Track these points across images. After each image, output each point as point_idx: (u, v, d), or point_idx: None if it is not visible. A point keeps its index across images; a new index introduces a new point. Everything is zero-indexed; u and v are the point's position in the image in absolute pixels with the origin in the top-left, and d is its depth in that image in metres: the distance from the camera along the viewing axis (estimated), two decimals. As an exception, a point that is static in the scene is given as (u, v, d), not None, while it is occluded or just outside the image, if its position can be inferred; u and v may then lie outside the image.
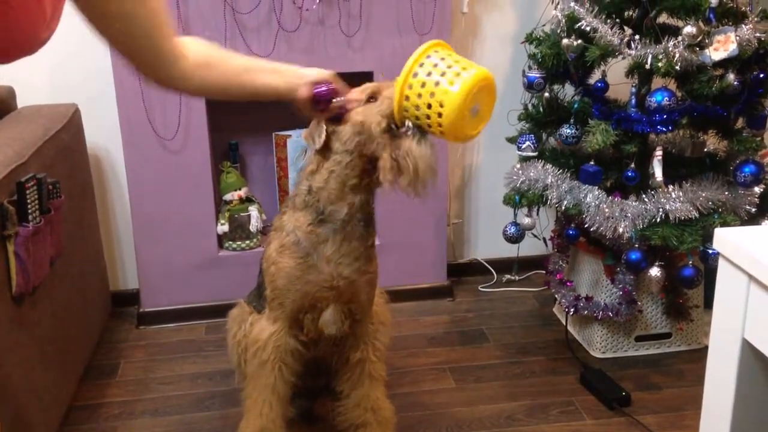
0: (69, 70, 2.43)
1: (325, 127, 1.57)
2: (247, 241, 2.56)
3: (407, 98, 1.41)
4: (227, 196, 2.57)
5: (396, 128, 1.49)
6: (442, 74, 1.39)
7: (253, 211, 2.56)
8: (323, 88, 1.46)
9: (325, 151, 1.60)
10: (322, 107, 1.48)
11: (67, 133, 2.11)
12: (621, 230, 2.04)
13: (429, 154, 1.47)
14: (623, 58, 2.03)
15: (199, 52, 1.27)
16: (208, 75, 1.29)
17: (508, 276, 2.88)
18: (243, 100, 1.44)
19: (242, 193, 2.58)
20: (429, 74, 1.40)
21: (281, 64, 1.44)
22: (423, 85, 1.39)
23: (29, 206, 1.63)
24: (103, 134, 2.49)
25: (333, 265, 1.64)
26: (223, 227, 2.53)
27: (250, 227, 2.55)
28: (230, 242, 2.56)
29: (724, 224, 2.00)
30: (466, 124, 1.41)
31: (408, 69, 1.42)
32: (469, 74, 1.38)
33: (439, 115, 1.38)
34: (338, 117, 1.53)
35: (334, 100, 1.49)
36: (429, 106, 1.39)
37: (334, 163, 1.59)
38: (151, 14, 1.11)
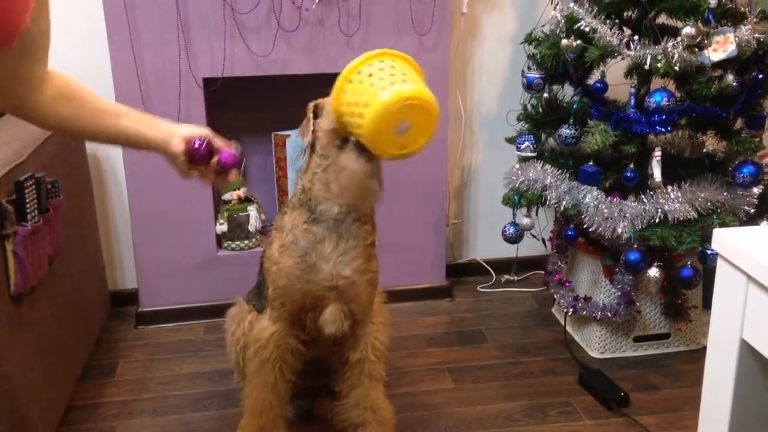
0: (68, 69, 2.41)
1: (312, 123, 1.59)
2: (246, 241, 2.56)
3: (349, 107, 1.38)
4: (226, 196, 2.57)
5: (342, 142, 1.51)
6: (381, 79, 1.34)
7: (252, 210, 2.56)
8: (197, 143, 1.34)
9: (314, 149, 1.63)
10: (199, 162, 1.36)
11: (66, 133, 2.11)
12: (620, 231, 2.04)
13: (359, 170, 1.48)
14: (622, 58, 2.03)
15: (63, 85, 1.19)
16: (68, 110, 1.20)
17: (507, 276, 2.89)
18: (105, 143, 1.36)
19: (241, 192, 2.58)
20: (370, 75, 1.35)
21: (149, 115, 1.33)
22: (359, 91, 1.35)
23: (28, 205, 1.63)
24: (102, 134, 2.49)
25: (332, 265, 1.64)
26: (222, 227, 2.53)
27: (249, 227, 2.55)
28: (229, 242, 2.56)
29: (723, 225, 2.00)
30: (389, 138, 1.35)
31: (344, 75, 1.39)
32: (404, 87, 1.31)
33: (361, 116, 1.34)
34: (223, 169, 1.38)
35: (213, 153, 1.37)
36: (360, 113, 1.35)
37: (315, 164, 1.62)
38: (38, 34, 1.03)
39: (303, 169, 1.67)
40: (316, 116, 1.62)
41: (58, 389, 1.92)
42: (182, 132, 1.33)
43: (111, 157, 2.54)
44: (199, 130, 1.35)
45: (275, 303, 1.72)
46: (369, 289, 1.75)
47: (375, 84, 1.34)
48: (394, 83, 1.32)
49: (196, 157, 1.35)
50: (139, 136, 1.29)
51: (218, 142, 1.37)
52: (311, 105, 1.64)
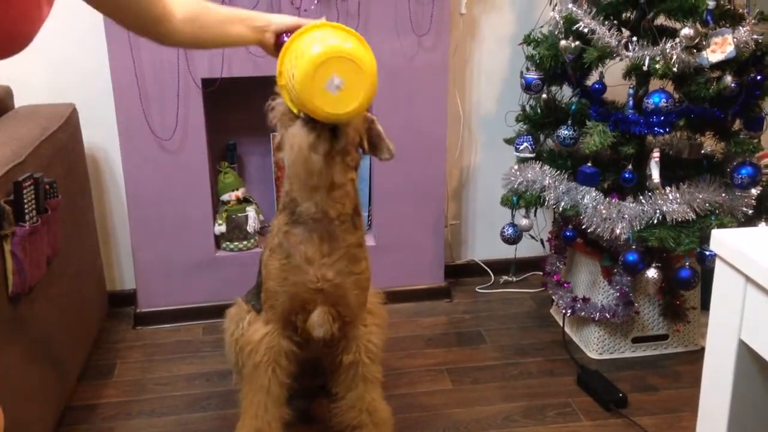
0: (67, 69, 2.43)
1: (272, 117, 1.56)
2: (245, 242, 2.56)
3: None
4: (225, 197, 2.57)
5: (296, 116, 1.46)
6: (314, 39, 1.35)
7: (251, 211, 2.56)
8: (285, 38, 1.49)
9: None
10: None
11: (64, 133, 2.11)
12: (618, 231, 2.04)
13: (303, 141, 1.42)
14: (621, 59, 2.03)
15: (184, 9, 1.37)
16: (195, 30, 1.40)
17: (505, 277, 2.89)
18: (221, 47, 1.69)
19: (240, 193, 2.58)
20: (308, 39, 1.36)
21: (251, 12, 1.53)
22: (295, 54, 1.36)
23: (26, 206, 1.62)
24: (101, 134, 2.49)
25: (316, 267, 1.64)
26: (221, 228, 2.53)
27: (248, 228, 2.55)
28: (227, 243, 2.56)
29: (721, 226, 2.00)
30: (321, 94, 1.32)
31: (285, 46, 1.41)
32: (334, 41, 1.32)
33: (293, 77, 1.33)
34: None
35: None
36: (293, 75, 1.34)
37: (286, 164, 1.55)
38: None
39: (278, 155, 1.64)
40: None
41: (56, 390, 1.92)
42: (273, 25, 1.52)
43: (109, 158, 2.54)
44: (288, 21, 1.52)
45: (266, 305, 1.72)
46: (356, 291, 1.72)
47: (308, 44, 1.35)
48: (326, 40, 1.33)
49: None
50: (241, 39, 1.51)
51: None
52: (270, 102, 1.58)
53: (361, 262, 1.70)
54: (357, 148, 1.62)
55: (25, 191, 1.62)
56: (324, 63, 1.30)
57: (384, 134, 1.64)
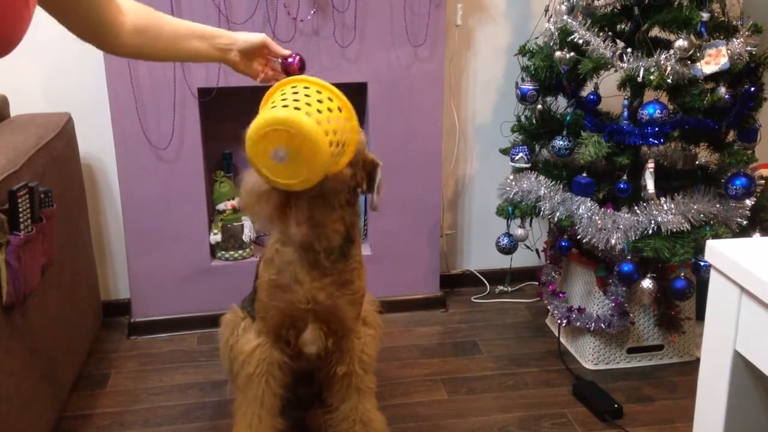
0: (62, 78, 2.43)
1: None
2: (240, 251, 2.56)
3: None
4: (220, 206, 2.57)
5: None
6: (276, 101, 1.31)
7: (246, 221, 2.56)
8: (293, 60, 1.60)
9: None
10: (289, 72, 1.61)
11: (60, 142, 2.11)
12: (613, 242, 2.05)
13: (248, 182, 1.45)
14: (615, 70, 2.04)
15: (137, 19, 1.34)
16: (144, 43, 1.37)
17: (500, 287, 2.89)
18: (172, 61, 1.70)
19: (235, 202, 2.58)
20: (281, 96, 1.32)
21: (212, 29, 1.51)
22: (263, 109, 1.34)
23: (21, 215, 1.62)
24: (97, 143, 2.49)
25: (306, 288, 1.62)
26: (216, 237, 2.53)
27: (243, 237, 2.55)
28: (223, 252, 2.56)
29: (716, 236, 2.01)
30: (265, 162, 1.30)
31: (268, 93, 1.40)
32: (276, 111, 1.26)
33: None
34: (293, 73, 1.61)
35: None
36: None
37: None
38: None
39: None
40: None
41: (50, 400, 1.91)
42: (238, 44, 1.53)
43: (105, 167, 2.54)
44: (252, 40, 1.54)
45: (259, 316, 1.72)
46: (349, 308, 1.71)
47: (266, 107, 1.34)
48: (276, 107, 1.28)
49: (289, 71, 1.60)
50: (203, 55, 1.50)
51: (279, 49, 1.61)
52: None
53: (353, 284, 1.68)
54: (353, 188, 1.58)
55: (20, 200, 1.62)
56: (265, 135, 1.27)
57: (379, 185, 1.57)
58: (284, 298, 1.65)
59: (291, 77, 1.44)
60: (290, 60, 1.61)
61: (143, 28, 1.35)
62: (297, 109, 1.27)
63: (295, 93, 1.32)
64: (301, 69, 1.61)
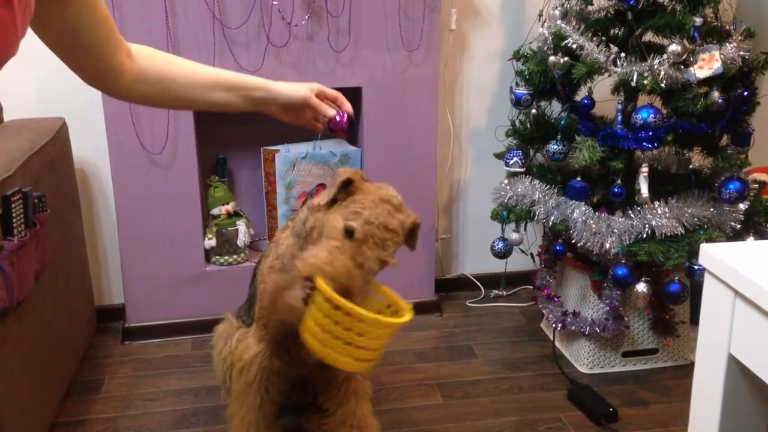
0: (56, 83, 2.42)
1: (334, 192, 1.47)
2: (235, 256, 2.55)
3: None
4: (215, 211, 2.56)
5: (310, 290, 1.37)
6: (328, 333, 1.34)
7: (241, 225, 2.55)
8: (340, 119, 1.46)
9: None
10: (336, 131, 1.48)
11: (53, 147, 2.10)
12: (608, 246, 2.05)
13: (291, 310, 1.42)
14: (609, 75, 2.05)
15: (147, 67, 1.22)
16: (157, 93, 1.25)
17: (495, 291, 2.89)
18: (199, 110, 1.44)
19: (230, 207, 2.57)
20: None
21: (244, 77, 1.37)
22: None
23: (14, 220, 1.61)
24: (91, 148, 2.48)
25: None
26: (211, 242, 2.52)
27: (238, 242, 2.54)
28: (217, 257, 2.55)
29: (710, 240, 2.01)
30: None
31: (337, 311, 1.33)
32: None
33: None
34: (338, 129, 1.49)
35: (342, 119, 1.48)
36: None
37: (317, 220, 1.51)
38: (97, 25, 1.08)
39: (314, 200, 1.57)
40: (345, 189, 1.49)
41: (44, 405, 1.90)
42: (281, 99, 1.39)
43: (99, 172, 2.53)
44: (297, 94, 1.41)
45: (260, 323, 1.71)
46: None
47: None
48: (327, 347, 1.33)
49: (337, 129, 1.47)
50: (234, 106, 1.35)
51: (325, 109, 1.47)
52: (344, 177, 1.47)
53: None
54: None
55: (13, 205, 1.61)
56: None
57: (417, 240, 1.57)
58: None
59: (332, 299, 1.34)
60: (338, 119, 1.47)
61: (155, 77, 1.23)
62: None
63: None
64: (350, 129, 1.49)
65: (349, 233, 1.39)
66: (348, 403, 1.81)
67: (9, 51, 0.87)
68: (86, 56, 1.11)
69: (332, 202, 1.48)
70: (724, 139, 2.13)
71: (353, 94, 2.52)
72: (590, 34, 2.07)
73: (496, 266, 2.70)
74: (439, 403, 2.19)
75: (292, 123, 1.48)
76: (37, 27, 1.04)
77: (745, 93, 2.04)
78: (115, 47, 1.15)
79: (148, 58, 1.23)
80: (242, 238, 2.55)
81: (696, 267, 2.03)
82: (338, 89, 2.59)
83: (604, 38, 2.07)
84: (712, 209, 2.08)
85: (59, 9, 1.01)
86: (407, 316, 1.41)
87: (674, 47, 1.93)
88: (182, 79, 1.27)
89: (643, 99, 2.12)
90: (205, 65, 1.34)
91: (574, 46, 2.05)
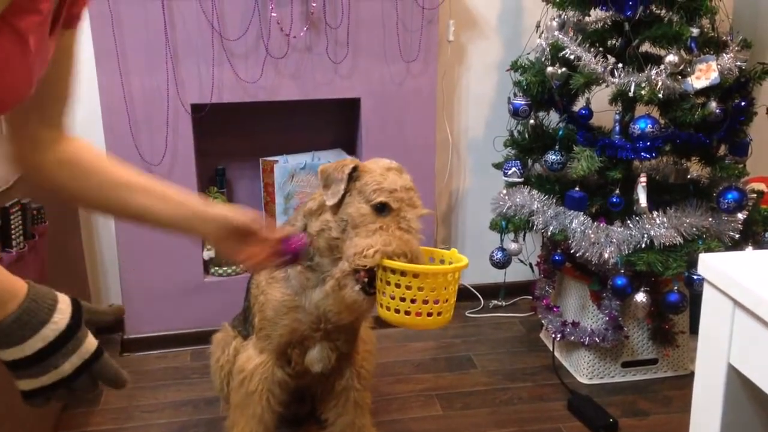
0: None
1: (344, 186, 1.50)
2: (234, 267, 2.55)
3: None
4: (213, 222, 2.56)
5: (363, 279, 1.45)
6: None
7: (240, 236, 2.55)
8: (295, 242, 1.29)
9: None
10: (285, 257, 1.29)
11: (52, 159, 2.10)
12: (606, 256, 2.05)
13: (359, 305, 1.49)
14: (607, 85, 2.06)
15: (76, 152, 1.05)
16: (71, 178, 1.05)
17: (494, 301, 2.88)
18: (120, 218, 1.21)
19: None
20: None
21: (173, 190, 1.13)
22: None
23: (13, 232, 1.61)
24: (89, 159, 2.48)
25: (322, 310, 1.63)
26: (209, 253, 2.52)
27: (237, 253, 2.54)
28: (216, 268, 2.55)
29: (708, 250, 2.01)
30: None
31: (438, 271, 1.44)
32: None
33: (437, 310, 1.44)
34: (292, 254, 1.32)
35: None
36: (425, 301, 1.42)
37: (326, 223, 1.53)
38: (59, 90, 1.00)
39: (307, 206, 1.60)
40: (350, 178, 1.52)
41: (42, 418, 1.89)
42: (219, 218, 1.14)
43: (97, 183, 2.53)
44: (240, 215, 1.17)
45: (261, 334, 1.70)
46: (356, 326, 1.75)
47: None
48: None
49: (287, 255, 1.28)
50: (156, 216, 1.11)
51: (262, 224, 1.24)
52: (350, 165, 1.52)
53: None
54: None
55: (12, 217, 1.61)
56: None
57: None
58: (296, 317, 1.64)
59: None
60: (292, 242, 1.30)
61: (76, 162, 1.04)
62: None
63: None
64: (298, 256, 1.34)
65: (381, 209, 1.46)
66: (348, 413, 1.80)
67: (18, 92, 0.83)
68: (26, 111, 0.98)
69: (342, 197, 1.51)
70: (722, 149, 2.14)
71: (351, 105, 2.53)
72: (588, 45, 2.07)
73: (495, 276, 2.70)
74: (439, 414, 2.18)
75: (225, 255, 1.23)
76: None
77: (743, 103, 2.05)
78: (57, 120, 1.03)
79: (81, 146, 1.08)
80: (241, 249, 2.54)
81: (695, 277, 2.03)
82: (337, 100, 2.61)
83: (601, 49, 2.08)
84: (710, 219, 2.09)
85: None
86: (465, 260, 1.49)
87: (671, 58, 1.94)
88: (109, 174, 1.10)
89: (640, 109, 2.13)
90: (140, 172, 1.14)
91: (572, 56, 2.06)
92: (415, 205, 1.50)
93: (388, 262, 1.41)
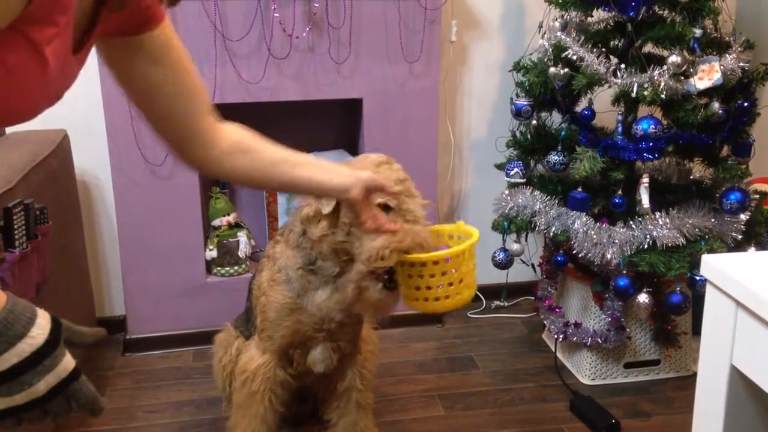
0: (58, 95, 2.42)
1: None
2: (236, 267, 2.55)
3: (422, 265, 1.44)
4: (216, 222, 2.56)
5: (383, 276, 1.47)
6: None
7: (242, 236, 2.55)
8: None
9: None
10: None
11: (55, 159, 2.11)
12: (609, 256, 2.05)
13: (385, 302, 1.50)
14: (609, 86, 2.06)
15: (234, 137, 1.19)
16: (240, 162, 1.19)
17: (497, 302, 2.88)
18: (281, 190, 1.48)
19: (231, 218, 2.57)
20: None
21: (326, 163, 1.34)
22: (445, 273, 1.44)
23: (16, 232, 1.61)
24: (92, 160, 2.48)
25: (325, 311, 1.63)
26: (212, 253, 2.52)
27: (239, 253, 2.54)
28: (218, 268, 2.55)
29: (711, 251, 2.01)
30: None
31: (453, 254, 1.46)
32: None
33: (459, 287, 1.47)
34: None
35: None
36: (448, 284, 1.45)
37: (327, 229, 1.53)
38: (185, 89, 1.06)
39: (303, 211, 1.59)
40: None
41: (44, 418, 1.89)
42: (362, 180, 1.36)
43: (100, 183, 2.54)
44: (375, 178, 1.40)
45: (263, 334, 1.71)
46: (358, 326, 1.75)
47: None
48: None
49: None
50: (315, 183, 1.31)
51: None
52: None
53: None
54: None
55: (15, 217, 1.61)
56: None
57: None
58: (298, 318, 1.65)
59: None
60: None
61: (239, 147, 1.19)
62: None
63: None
64: None
65: (384, 208, 1.47)
66: (350, 414, 1.80)
67: (33, 103, 0.83)
68: (167, 120, 1.08)
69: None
70: (725, 150, 2.14)
71: (354, 106, 2.53)
72: (590, 46, 2.07)
73: (498, 277, 2.70)
74: (441, 415, 2.18)
75: (358, 214, 1.44)
76: (123, 82, 1.04)
77: (745, 104, 2.04)
78: (204, 116, 1.12)
79: (234, 130, 1.21)
80: (243, 250, 2.55)
81: (697, 278, 2.03)
82: (339, 100, 2.61)
83: (604, 49, 2.08)
84: (713, 220, 2.08)
85: (143, 64, 1.00)
86: (476, 233, 1.54)
87: (674, 58, 1.94)
88: (272, 154, 1.25)
89: (643, 110, 2.13)
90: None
91: (575, 57, 2.06)
92: (413, 194, 1.52)
93: (407, 257, 1.43)
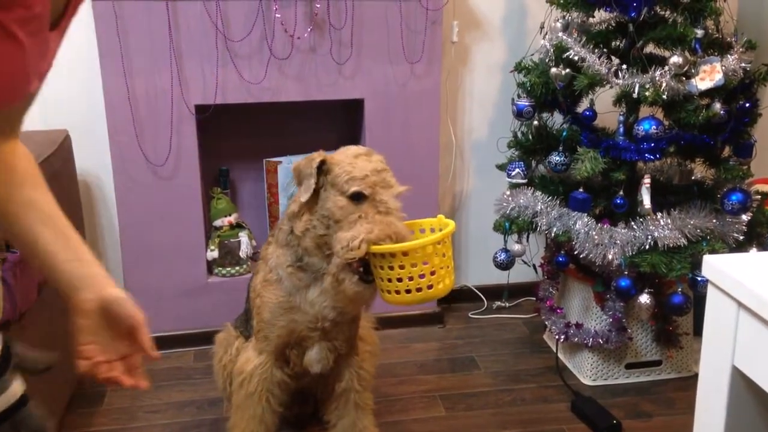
0: (60, 95, 2.43)
1: (314, 180, 1.53)
2: (237, 267, 2.55)
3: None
4: (217, 222, 2.57)
5: (358, 268, 1.49)
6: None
7: (243, 237, 2.55)
8: None
9: (311, 200, 1.56)
10: None
11: (57, 159, 2.11)
12: (610, 257, 2.05)
13: (361, 294, 1.52)
14: (611, 87, 2.06)
15: (6, 158, 0.98)
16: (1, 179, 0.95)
17: (498, 303, 2.88)
18: (9, 237, 1.03)
19: (232, 219, 2.58)
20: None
21: (85, 250, 0.99)
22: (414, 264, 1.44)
23: (17, 232, 1.61)
24: (94, 160, 2.49)
25: (317, 309, 1.63)
26: (213, 253, 2.52)
27: (240, 253, 2.54)
28: (220, 268, 2.55)
29: (713, 251, 2.01)
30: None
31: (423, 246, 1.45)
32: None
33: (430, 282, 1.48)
34: None
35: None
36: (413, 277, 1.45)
37: (309, 222, 1.56)
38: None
39: (289, 209, 1.63)
40: (320, 172, 1.54)
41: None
42: (106, 295, 0.95)
43: (102, 183, 2.54)
44: (129, 307, 0.99)
45: (260, 335, 1.71)
46: (354, 325, 1.75)
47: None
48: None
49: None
50: (48, 257, 0.96)
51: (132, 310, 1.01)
52: (317, 159, 1.53)
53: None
54: None
55: (16, 217, 1.61)
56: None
57: None
58: (292, 317, 1.65)
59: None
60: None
61: (10, 165, 0.97)
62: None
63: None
64: None
65: (356, 198, 1.47)
66: (349, 414, 1.80)
67: (12, 85, 0.79)
68: None
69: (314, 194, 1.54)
70: (727, 151, 2.13)
71: (355, 106, 2.53)
72: (592, 46, 2.07)
73: (499, 277, 2.70)
74: (442, 415, 2.18)
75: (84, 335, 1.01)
76: None
77: (747, 104, 2.04)
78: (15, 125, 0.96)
79: (17, 156, 1.00)
80: (245, 250, 2.55)
81: (699, 278, 2.03)
82: (340, 101, 2.60)
83: (605, 50, 2.08)
84: (714, 220, 2.08)
85: None
86: (451, 224, 1.53)
87: (676, 59, 1.93)
88: (26, 189, 1.00)
89: (644, 110, 2.12)
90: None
91: (576, 58, 2.06)
92: (389, 185, 1.52)
93: (375, 248, 1.43)
